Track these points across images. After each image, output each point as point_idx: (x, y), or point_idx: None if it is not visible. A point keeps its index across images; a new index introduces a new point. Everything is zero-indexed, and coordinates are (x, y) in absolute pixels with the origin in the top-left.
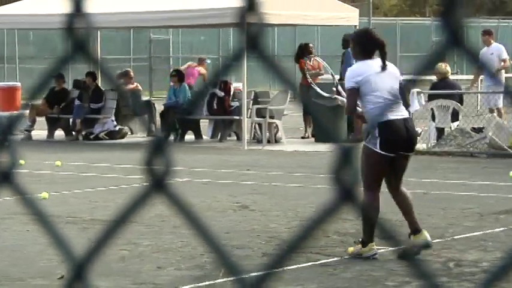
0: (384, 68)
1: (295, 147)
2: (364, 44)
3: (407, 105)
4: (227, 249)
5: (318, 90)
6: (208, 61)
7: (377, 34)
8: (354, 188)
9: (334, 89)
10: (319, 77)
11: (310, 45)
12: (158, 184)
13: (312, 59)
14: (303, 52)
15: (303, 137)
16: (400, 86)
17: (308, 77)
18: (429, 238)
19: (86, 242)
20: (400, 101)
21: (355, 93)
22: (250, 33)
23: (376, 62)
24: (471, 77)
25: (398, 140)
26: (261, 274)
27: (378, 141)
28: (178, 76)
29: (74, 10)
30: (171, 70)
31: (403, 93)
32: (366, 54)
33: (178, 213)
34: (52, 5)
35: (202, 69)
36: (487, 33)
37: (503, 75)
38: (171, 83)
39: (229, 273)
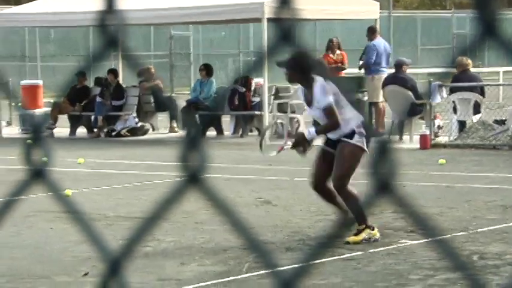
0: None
1: (317, 142)
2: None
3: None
4: (262, 243)
5: None
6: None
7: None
8: (391, 180)
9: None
10: (343, 72)
11: (334, 39)
12: (193, 179)
13: (336, 53)
14: (329, 47)
15: None
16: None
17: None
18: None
19: (110, 238)
20: None
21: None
22: (284, 27)
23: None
24: (494, 69)
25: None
26: (296, 268)
27: (364, 140)
28: (206, 70)
29: (107, 7)
30: (200, 65)
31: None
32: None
33: (214, 207)
34: (73, 3)
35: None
36: None
37: None
38: (200, 77)
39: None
